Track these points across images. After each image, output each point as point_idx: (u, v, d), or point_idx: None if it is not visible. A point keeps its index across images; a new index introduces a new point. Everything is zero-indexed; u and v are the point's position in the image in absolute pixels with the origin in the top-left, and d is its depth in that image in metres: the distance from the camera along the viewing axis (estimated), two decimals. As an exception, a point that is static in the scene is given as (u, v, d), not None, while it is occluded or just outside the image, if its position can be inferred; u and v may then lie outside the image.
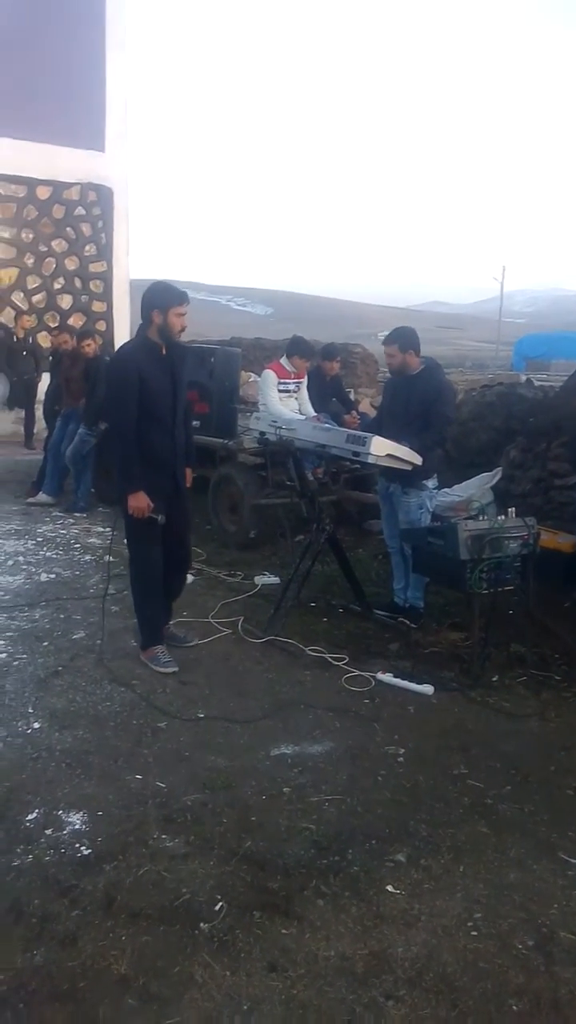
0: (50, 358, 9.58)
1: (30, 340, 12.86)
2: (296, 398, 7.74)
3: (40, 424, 11.13)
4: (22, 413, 12.76)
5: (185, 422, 4.96)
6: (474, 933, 2.86)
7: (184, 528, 5.05)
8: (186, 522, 5.10)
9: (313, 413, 7.80)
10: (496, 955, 2.76)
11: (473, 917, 2.94)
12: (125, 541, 5.00)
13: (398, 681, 4.79)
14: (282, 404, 7.50)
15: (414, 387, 5.60)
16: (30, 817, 3.40)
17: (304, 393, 7.84)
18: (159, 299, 4.64)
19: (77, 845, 3.23)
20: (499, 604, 5.08)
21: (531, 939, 2.85)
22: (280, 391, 7.56)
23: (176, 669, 4.86)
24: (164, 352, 4.73)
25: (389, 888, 3.06)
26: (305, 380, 7.81)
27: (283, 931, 2.82)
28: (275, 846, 3.27)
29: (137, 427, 4.63)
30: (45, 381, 10.27)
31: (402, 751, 4.06)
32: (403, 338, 5.62)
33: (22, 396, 12.63)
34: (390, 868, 3.18)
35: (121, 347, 5.09)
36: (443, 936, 2.84)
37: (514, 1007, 2.56)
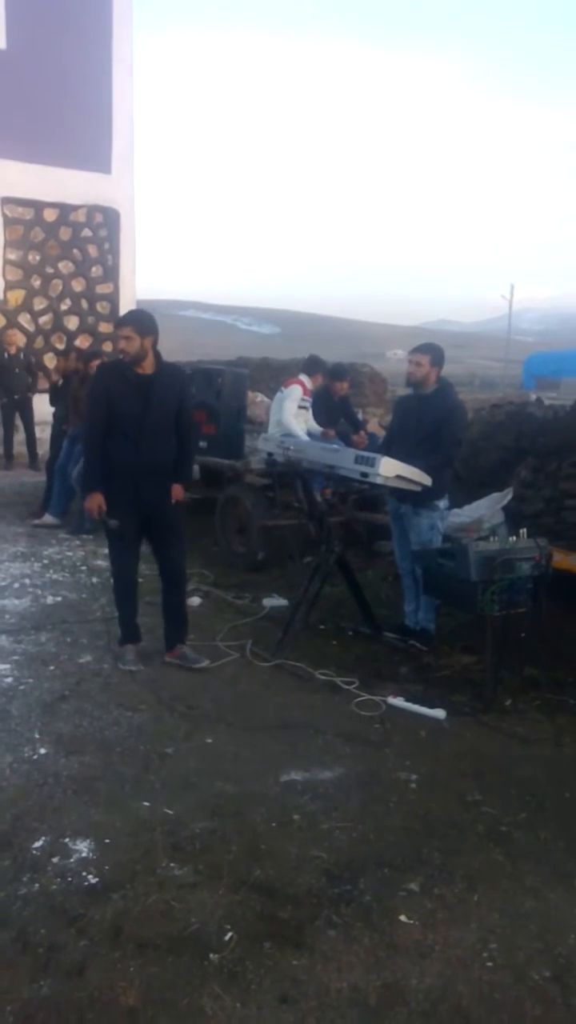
0: (59, 382, 9.54)
1: (21, 356, 12.42)
2: (305, 418, 7.81)
3: (44, 446, 10.97)
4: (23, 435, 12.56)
5: (185, 440, 5.17)
6: (489, 964, 2.81)
7: (167, 544, 5.21)
8: (171, 538, 5.21)
9: (320, 431, 7.85)
10: (512, 986, 2.71)
11: (488, 947, 2.88)
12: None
13: (409, 705, 4.73)
14: (295, 419, 7.60)
15: (426, 406, 5.57)
16: (36, 845, 3.35)
17: (310, 412, 7.90)
18: None
19: (84, 873, 3.18)
20: (512, 626, 5.03)
21: (548, 970, 2.79)
22: (299, 407, 7.70)
23: (138, 668, 5.12)
24: (141, 372, 4.96)
25: (402, 918, 3.01)
26: (311, 399, 7.89)
27: (294, 962, 2.76)
28: (285, 875, 3.21)
29: (105, 441, 4.97)
30: (40, 400, 10.11)
31: (414, 777, 4.00)
32: (435, 352, 5.63)
33: (11, 416, 12.35)
34: (403, 897, 3.12)
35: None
36: (458, 967, 2.78)
37: (532, 1042, 2.51)
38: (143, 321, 4.95)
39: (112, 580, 5.42)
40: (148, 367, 4.97)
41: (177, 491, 5.13)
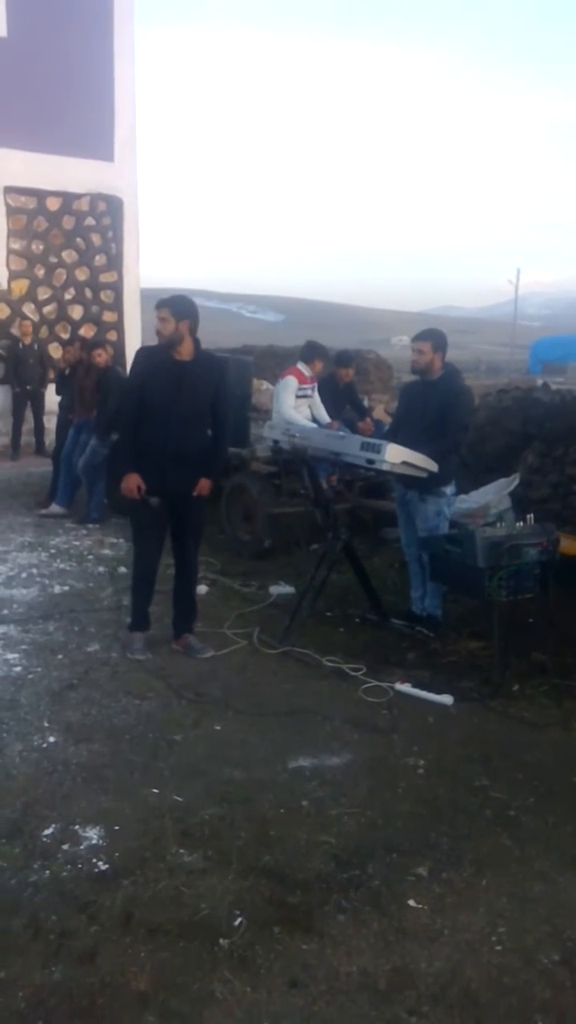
0: (66, 372, 9.53)
1: (35, 347, 12.54)
2: (309, 405, 7.73)
3: (52, 436, 10.96)
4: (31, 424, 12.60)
5: (219, 433, 5.15)
6: (498, 948, 2.82)
7: (185, 534, 5.22)
8: (191, 528, 5.22)
9: (327, 420, 7.78)
10: (521, 970, 2.73)
11: (497, 931, 2.90)
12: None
13: (417, 691, 4.74)
14: (297, 410, 7.50)
15: (432, 392, 5.55)
16: (47, 832, 3.37)
17: (317, 398, 7.83)
18: None
19: (94, 860, 3.21)
20: (519, 612, 5.03)
21: (557, 954, 2.81)
22: (298, 396, 7.57)
23: (146, 656, 5.14)
24: (177, 358, 4.92)
25: (411, 902, 3.02)
26: (316, 385, 7.81)
27: (303, 946, 2.78)
28: (294, 860, 3.23)
29: (137, 425, 4.97)
30: (48, 390, 10.08)
31: (422, 763, 4.02)
32: (436, 337, 5.59)
33: (22, 406, 12.40)
34: (411, 882, 3.14)
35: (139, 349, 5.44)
36: (466, 951, 2.80)
37: (540, 1023, 2.52)
38: (180, 304, 4.90)
39: (132, 566, 5.39)
40: (185, 353, 4.93)
41: (203, 485, 5.09)
